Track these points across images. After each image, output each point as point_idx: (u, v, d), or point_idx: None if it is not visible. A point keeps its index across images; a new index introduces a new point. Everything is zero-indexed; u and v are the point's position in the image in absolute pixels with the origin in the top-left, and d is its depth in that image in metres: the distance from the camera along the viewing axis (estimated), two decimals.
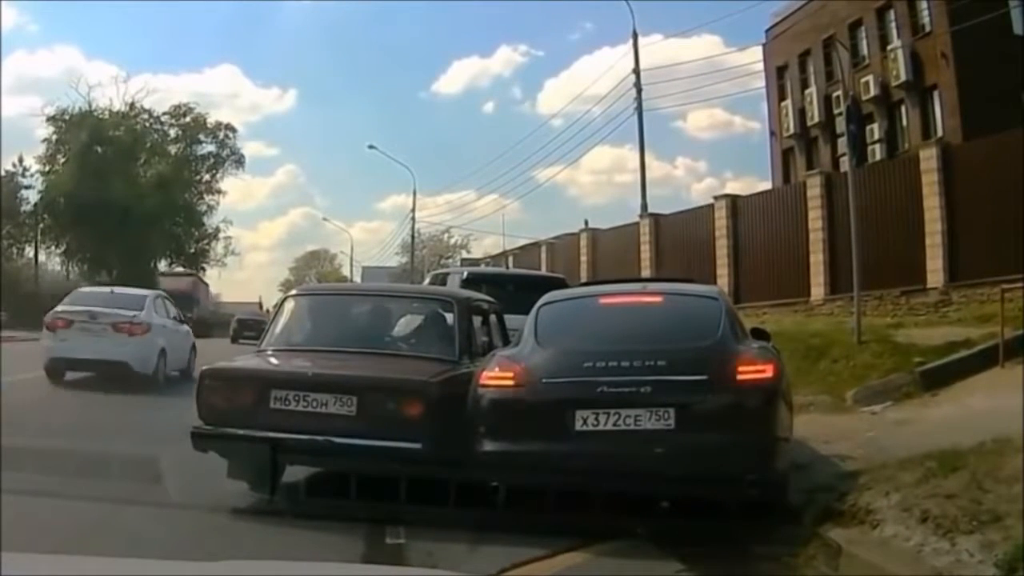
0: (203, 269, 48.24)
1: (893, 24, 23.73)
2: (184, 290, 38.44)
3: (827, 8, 25.36)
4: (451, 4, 67.73)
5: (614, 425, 5.10)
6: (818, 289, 17.07)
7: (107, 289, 15.56)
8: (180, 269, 45.82)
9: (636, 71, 25.69)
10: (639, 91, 25.45)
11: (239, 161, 49.85)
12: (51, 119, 43.75)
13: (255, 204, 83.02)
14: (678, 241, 21.51)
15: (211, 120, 48.91)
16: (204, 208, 49.22)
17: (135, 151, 45.07)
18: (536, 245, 30.52)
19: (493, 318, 7.34)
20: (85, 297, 13.86)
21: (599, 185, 73.36)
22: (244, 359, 6.86)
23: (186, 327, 15.10)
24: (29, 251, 43.97)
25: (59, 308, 13.12)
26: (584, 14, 68.91)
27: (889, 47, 23.51)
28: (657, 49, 72.14)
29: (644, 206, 24.05)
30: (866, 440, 7.18)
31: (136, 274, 37.14)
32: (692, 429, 5.07)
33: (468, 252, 48.45)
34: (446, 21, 76.87)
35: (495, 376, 5.47)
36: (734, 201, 19.97)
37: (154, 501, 5.31)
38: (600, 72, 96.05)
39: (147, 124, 47.84)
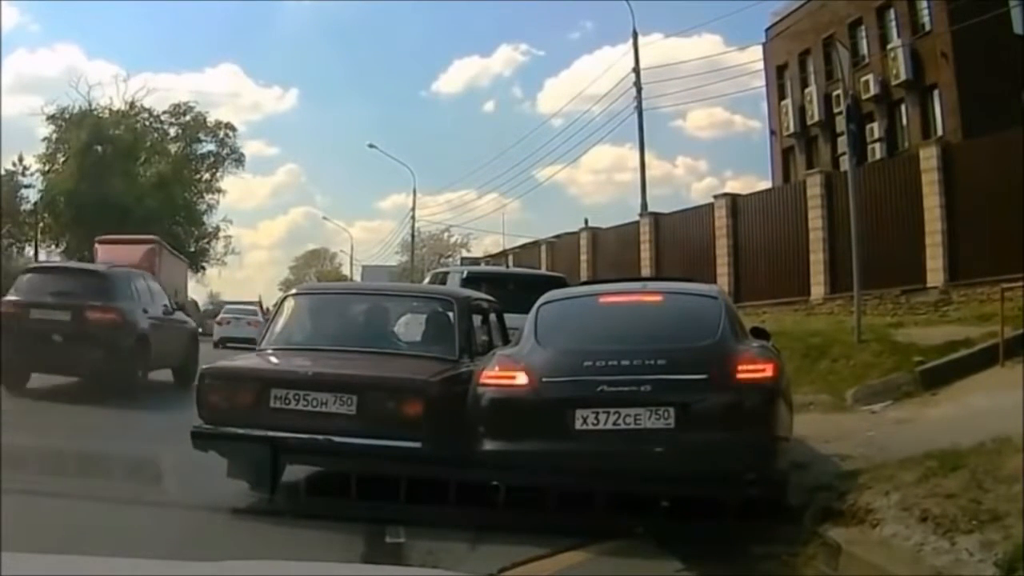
0: (203, 268, 48.26)
1: (893, 23, 23.75)
2: (134, 267, 24.86)
3: (827, 7, 25.38)
4: (451, 4, 67.70)
5: (614, 424, 5.10)
6: (818, 288, 17.07)
7: (239, 305, 30.29)
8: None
9: (636, 70, 25.73)
10: (639, 90, 25.49)
11: (239, 160, 49.89)
12: (51, 118, 43.77)
13: (255, 203, 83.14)
14: (678, 240, 21.51)
15: (211, 119, 48.96)
16: (204, 207, 49.27)
17: (135, 150, 45.05)
18: (536, 244, 30.49)
19: (493, 317, 7.34)
20: (232, 309, 28.60)
21: (599, 184, 73.34)
22: (244, 358, 6.85)
23: None
24: (29, 250, 43.96)
25: (222, 315, 27.40)
26: (584, 13, 68.88)
27: (889, 46, 23.52)
28: (657, 48, 72.41)
29: (644, 205, 24.07)
30: (866, 439, 7.17)
31: None
32: (692, 428, 5.07)
33: (468, 251, 48.42)
34: (446, 21, 76.96)
35: (495, 375, 5.47)
36: (734, 200, 19.96)
37: (154, 501, 5.31)
38: (600, 71, 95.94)
39: (147, 123, 47.85)
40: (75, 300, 10.66)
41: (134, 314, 11.15)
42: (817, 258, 17.09)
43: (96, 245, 30.07)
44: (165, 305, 12.51)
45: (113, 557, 2.47)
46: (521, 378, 5.37)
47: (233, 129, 49.84)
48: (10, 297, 10.99)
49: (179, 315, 13.39)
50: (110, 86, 50.42)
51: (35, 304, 10.62)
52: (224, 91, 73.72)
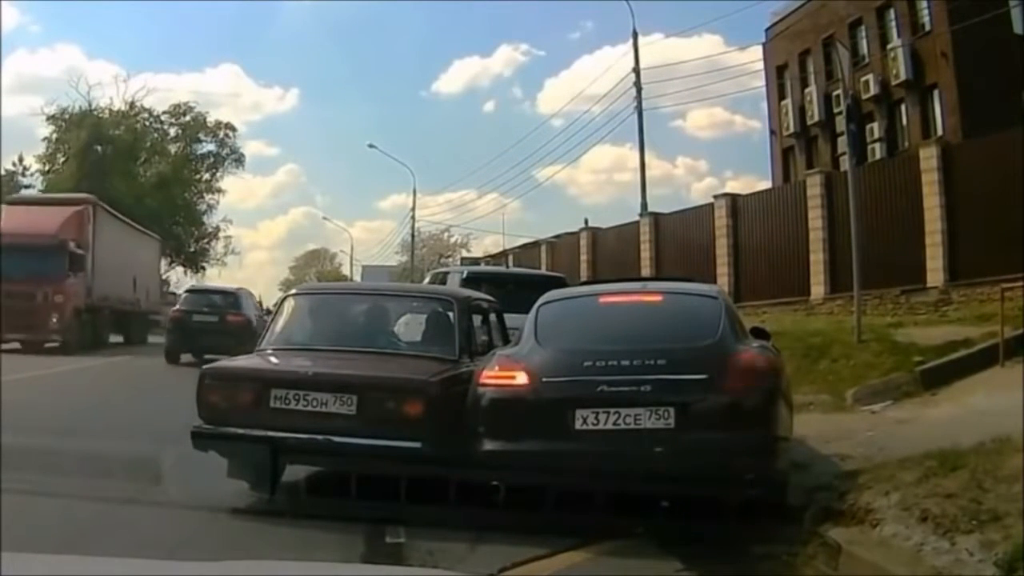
0: (203, 268, 48.24)
1: (893, 23, 23.75)
2: (47, 237, 19.43)
3: (827, 7, 25.38)
4: (451, 4, 67.90)
5: (614, 424, 5.10)
6: (818, 288, 17.07)
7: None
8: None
9: (636, 70, 25.72)
10: (639, 90, 25.48)
11: (239, 160, 49.78)
12: (51, 118, 43.69)
13: (256, 203, 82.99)
14: (678, 240, 21.52)
15: (211, 119, 48.87)
16: (204, 207, 49.18)
17: (135, 150, 45.00)
18: (536, 244, 30.51)
19: (493, 317, 7.34)
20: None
21: (599, 184, 73.38)
22: (244, 359, 6.83)
23: None
24: None
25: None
26: (584, 13, 68.98)
27: (889, 46, 23.53)
28: (657, 48, 72.70)
29: (644, 205, 24.07)
30: (866, 439, 7.18)
31: None
32: (692, 428, 5.07)
33: (468, 251, 48.45)
34: (446, 21, 77.12)
35: (495, 375, 5.46)
36: (734, 200, 19.97)
37: (154, 501, 5.31)
38: (600, 71, 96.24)
39: (147, 123, 47.78)
40: (219, 310, 18.50)
41: (252, 317, 18.54)
42: (817, 258, 17.09)
43: (3, 206, 22.50)
44: (259, 309, 20.41)
45: (113, 557, 2.47)
46: (521, 378, 5.37)
47: (233, 129, 49.76)
48: (177, 307, 19.14)
49: (268, 317, 18.41)
50: (110, 86, 50.36)
51: (194, 311, 18.33)
52: (224, 91, 73.46)
